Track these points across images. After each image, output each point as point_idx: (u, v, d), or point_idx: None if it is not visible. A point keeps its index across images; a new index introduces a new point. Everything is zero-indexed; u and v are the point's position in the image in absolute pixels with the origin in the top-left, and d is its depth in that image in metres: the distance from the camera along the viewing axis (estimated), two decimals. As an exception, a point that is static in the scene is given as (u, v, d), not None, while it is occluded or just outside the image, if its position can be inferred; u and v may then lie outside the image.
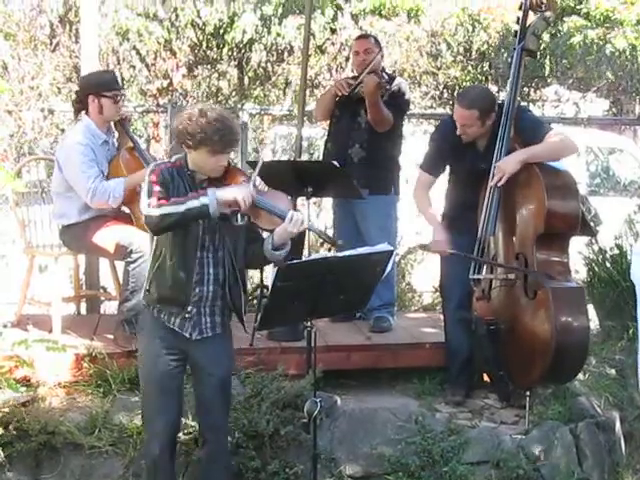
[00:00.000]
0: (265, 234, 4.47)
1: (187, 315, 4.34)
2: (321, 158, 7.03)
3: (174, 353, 4.40)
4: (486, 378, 6.08)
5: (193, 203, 4.13)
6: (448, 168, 6.00)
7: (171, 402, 4.46)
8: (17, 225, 6.50)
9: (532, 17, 5.88)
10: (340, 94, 6.48)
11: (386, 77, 6.47)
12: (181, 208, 4.12)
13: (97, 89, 6.03)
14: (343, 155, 6.38)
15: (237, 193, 4.21)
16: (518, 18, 5.89)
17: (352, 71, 6.66)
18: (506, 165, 5.54)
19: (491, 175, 5.59)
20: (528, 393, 5.57)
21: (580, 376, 6.00)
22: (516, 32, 5.89)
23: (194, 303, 4.34)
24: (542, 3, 5.88)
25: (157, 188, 4.18)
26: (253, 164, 6.75)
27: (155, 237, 4.34)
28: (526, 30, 5.82)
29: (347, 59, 7.39)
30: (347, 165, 6.28)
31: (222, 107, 4.80)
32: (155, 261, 4.36)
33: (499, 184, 5.56)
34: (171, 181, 4.24)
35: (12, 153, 7.53)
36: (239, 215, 4.26)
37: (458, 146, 5.78)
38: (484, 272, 5.74)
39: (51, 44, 7.71)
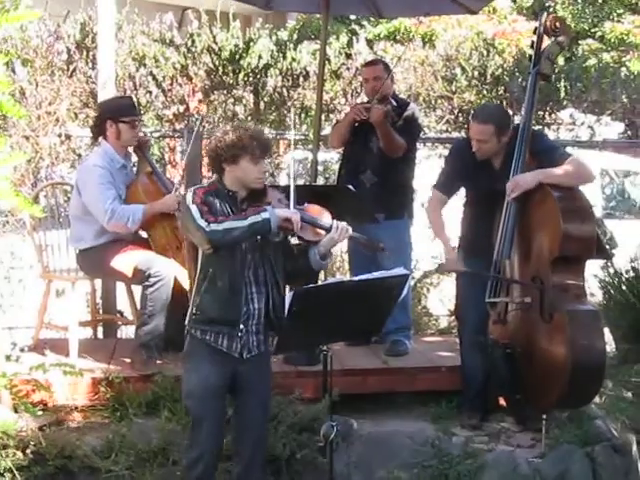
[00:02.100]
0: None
1: (239, 334, 4.39)
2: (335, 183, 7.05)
3: (222, 375, 4.45)
4: (502, 402, 6.07)
5: (255, 218, 4.25)
6: (464, 191, 6.02)
7: (219, 423, 4.52)
8: (34, 250, 6.53)
9: (546, 41, 5.91)
10: (359, 119, 6.49)
11: (394, 103, 6.46)
12: (245, 223, 4.23)
13: (115, 115, 6.09)
14: (355, 181, 6.37)
15: (291, 214, 4.36)
16: (532, 42, 5.92)
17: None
18: (522, 179, 5.55)
19: (506, 190, 5.61)
20: (544, 416, 5.55)
21: (597, 399, 5.98)
22: (531, 56, 5.91)
23: (244, 322, 4.39)
24: (556, 28, 5.91)
25: (206, 208, 4.28)
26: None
27: (200, 259, 4.43)
28: (540, 54, 5.84)
29: (362, 84, 7.40)
30: (360, 191, 6.29)
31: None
32: (202, 283, 4.42)
33: (512, 196, 5.57)
34: (213, 202, 4.33)
35: (29, 178, 7.57)
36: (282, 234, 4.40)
37: (473, 166, 5.79)
38: (500, 295, 5.74)
39: (68, 70, 7.75)
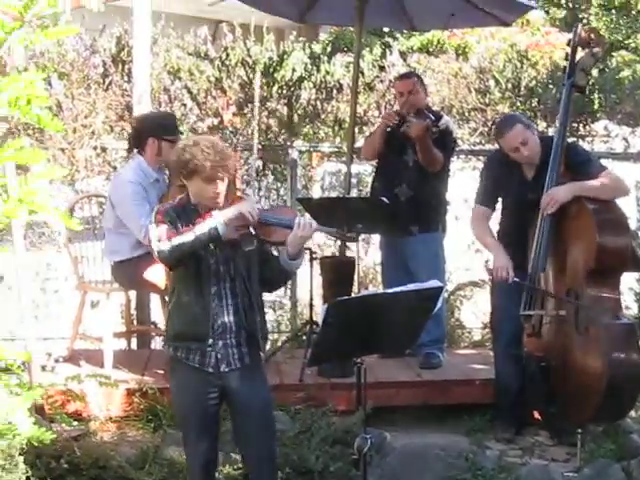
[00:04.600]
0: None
1: (209, 349, 4.29)
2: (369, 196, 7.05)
3: (202, 390, 4.35)
4: (537, 415, 6.04)
5: (201, 229, 4.14)
6: (500, 203, 6.02)
7: (206, 438, 4.41)
8: (70, 261, 6.58)
9: (581, 53, 5.89)
10: (391, 124, 6.47)
11: (432, 117, 6.43)
12: (191, 236, 4.13)
13: (159, 132, 6.12)
14: (390, 194, 6.34)
15: (240, 207, 4.23)
16: (567, 54, 5.90)
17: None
18: (558, 192, 5.54)
19: (541, 204, 5.59)
20: (580, 430, 5.52)
21: (632, 413, 5.94)
22: (565, 68, 5.90)
23: (219, 335, 4.29)
24: (591, 39, 5.89)
25: (163, 226, 4.19)
26: (303, 201, 6.80)
27: (172, 275, 4.37)
28: (575, 66, 5.83)
29: (395, 97, 7.40)
30: (394, 204, 6.26)
31: (222, 141, 4.72)
32: (170, 299, 4.39)
33: (548, 211, 5.55)
34: (178, 219, 4.24)
35: (65, 191, 7.63)
36: (249, 240, 4.24)
37: (506, 178, 5.83)
38: (535, 308, 5.71)
39: (104, 83, 7.81)
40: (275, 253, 4.55)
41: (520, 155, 5.70)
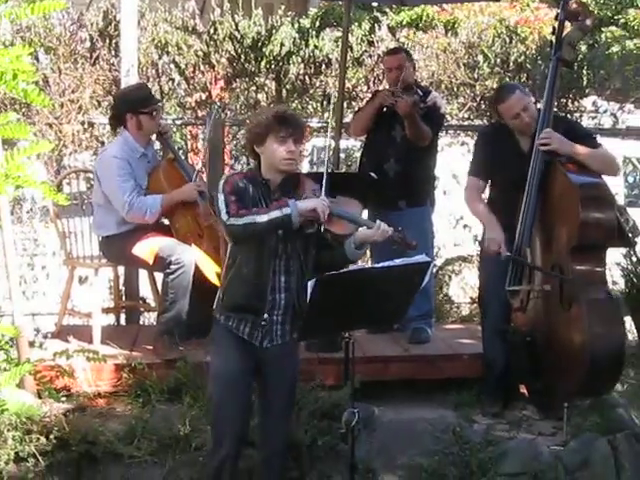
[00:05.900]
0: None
1: (263, 322, 4.37)
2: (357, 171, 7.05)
3: (243, 360, 4.42)
4: (524, 390, 6.07)
5: (276, 213, 4.20)
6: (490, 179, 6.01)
7: (241, 408, 4.50)
8: (57, 237, 6.58)
9: (568, 27, 5.87)
10: (387, 104, 6.47)
11: (420, 92, 6.43)
12: (264, 218, 4.19)
13: (134, 107, 6.09)
14: (378, 169, 6.36)
15: (316, 204, 4.29)
16: (554, 28, 5.88)
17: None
18: (560, 139, 5.54)
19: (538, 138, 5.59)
20: (566, 405, 5.55)
21: (618, 387, 5.97)
22: (552, 42, 5.88)
23: (269, 311, 4.37)
24: (578, 13, 5.87)
25: (233, 198, 4.25)
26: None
27: (230, 245, 4.43)
28: (562, 40, 5.81)
29: (384, 72, 7.39)
30: (383, 179, 6.28)
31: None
32: (229, 269, 4.42)
33: (542, 148, 5.54)
34: (245, 190, 4.31)
35: (52, 166, 7.61)
36: (310, 223, 4.33)
37: (501, 151, 5.80)
38: (522, 284, 5.73)
39: (91, 58, 7.78)
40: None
41: (521, 121, 5.67)
